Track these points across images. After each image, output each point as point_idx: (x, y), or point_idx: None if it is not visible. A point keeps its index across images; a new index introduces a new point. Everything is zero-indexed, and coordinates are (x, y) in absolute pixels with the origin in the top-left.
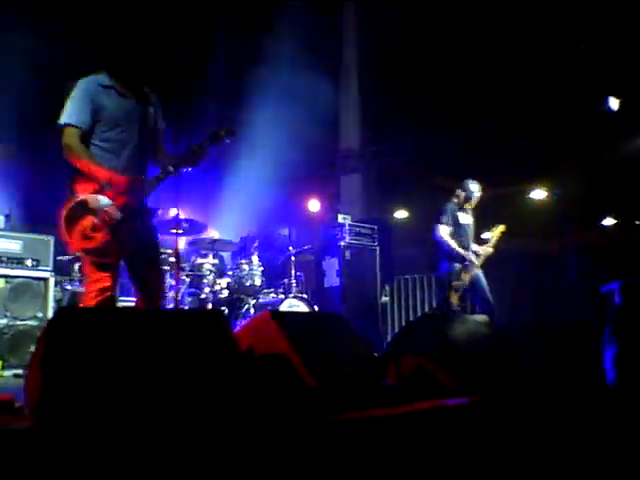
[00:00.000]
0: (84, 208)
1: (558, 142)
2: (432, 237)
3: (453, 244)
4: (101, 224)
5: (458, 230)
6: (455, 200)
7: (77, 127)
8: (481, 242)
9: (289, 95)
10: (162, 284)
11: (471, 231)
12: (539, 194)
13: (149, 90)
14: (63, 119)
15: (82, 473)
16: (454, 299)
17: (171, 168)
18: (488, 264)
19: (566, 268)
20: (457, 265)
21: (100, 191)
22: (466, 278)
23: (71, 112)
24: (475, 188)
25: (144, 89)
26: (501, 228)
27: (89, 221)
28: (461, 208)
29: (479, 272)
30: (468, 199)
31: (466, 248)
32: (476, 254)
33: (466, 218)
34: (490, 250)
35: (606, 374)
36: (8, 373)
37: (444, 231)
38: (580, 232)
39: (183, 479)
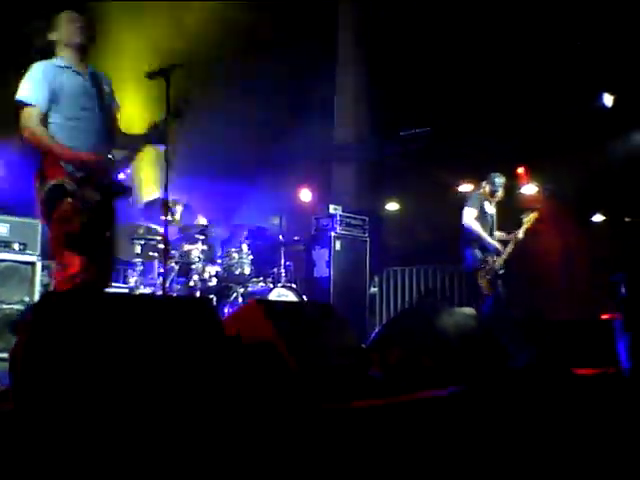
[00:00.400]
0: (61, 191)
1: (551, 137)
2: (461, 223)
3: (481, 231)
4: (80, 206)
5: (484, 218)
6: (480, 191)
7: (35, 106)
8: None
9: (282, 84)
10: (112, 265)
11: (494, 223)
12: (530, 189)
13: (99, 71)
14: (20, 95)
15: (62, 454)
16: (484, 284)
17: (133, 149)
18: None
19: (556, 263)
20: (480, 251)
21: (71, 174)
22: (496, 263)
23: (29, 90)
24: (500, 182)
25: (93, 69)
26: (535, 215)
27: (68, 204)
28: (487, 199)
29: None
30: (493, 193)
31: (489, 234)
32: (503, 243)
33: (491, 209)
34: (520, 236)
35: (621, 364)
36: None
37: (471, 215)
38: (570, 228)
39: (167, 463)
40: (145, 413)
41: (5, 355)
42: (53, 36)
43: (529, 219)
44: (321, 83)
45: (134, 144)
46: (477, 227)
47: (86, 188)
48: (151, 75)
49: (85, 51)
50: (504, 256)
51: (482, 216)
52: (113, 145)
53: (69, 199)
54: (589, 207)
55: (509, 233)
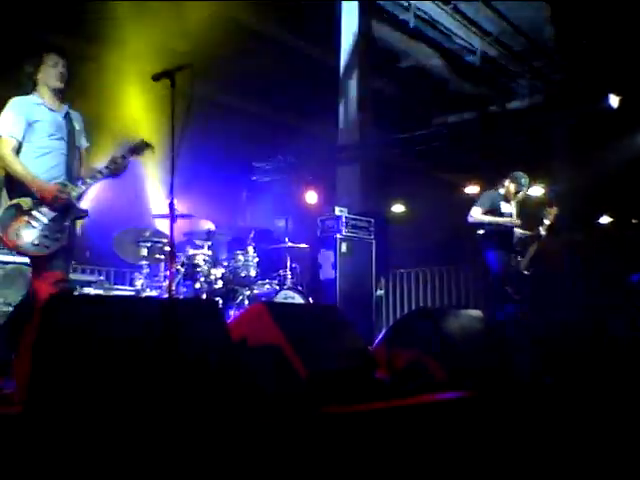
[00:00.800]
0: (17, 210)
1: (557, 139)
2: (467, 223)
3: (489, 217)
4: (32, 223)
5: (500, 217)
6: (501, 190)
7: (10, 137)
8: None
9: (286, 85)
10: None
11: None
12: (536, 191)
13: (73, 110)
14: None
15: (70, 456)
16: (512, 289)
17: (93, 177)
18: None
19: (562, 266)
20: (505, 253)
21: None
22: (522, 263)
23: (4, 124)
24: (526, 182)
25: (68, 108)
26: (554, 210)
27: (22, 221)
28: (505, 199)
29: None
30: (517, 192)
31: (509, 240)
32: (525, 242)
33: (508, 208)
34: (543, 233)
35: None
36: None
37: (477, 212)
38: (576, 230)
39: (174, 464)
40: (152, 415)
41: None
42: (37, 75)
43: (550, 215)
44: (325, 84)
45: (93, 177)
46: (484, 217)
47: (42, 207)
48: (156, 77)
49: (62, 93)
50: (529, 256)
51: (497, 216)
52: (77, 177)
53: (23, 216)
54: (595, 209)
55: (531, 231)
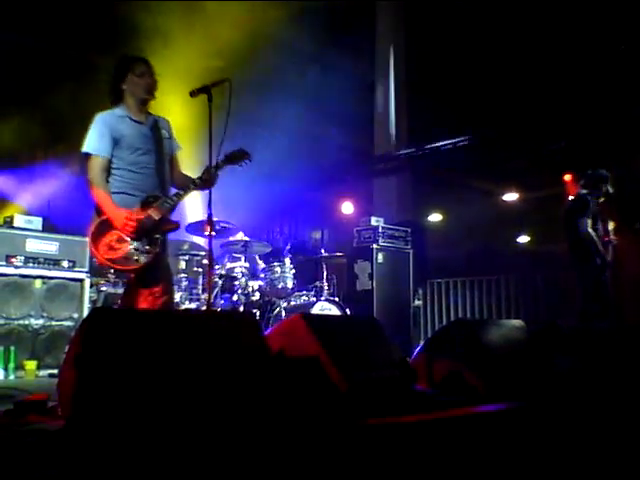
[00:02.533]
0: (109, 225)
1: (598, 143)
2: (573, 234)
3: (598, 243)
4: (123, 237)
5: (595, 223)
6: (597, 196)
7: (98, 156)
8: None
9: (323, 97)
10: (171, 301)
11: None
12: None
13: (160, 117)
14: (85, 147)
15: (114, 471)
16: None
17: (186, 189)
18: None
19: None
20: (601, 260)
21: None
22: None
23: (91, 141)
24: (606, 175)
25: (154, 116)
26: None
27: (114, 235)
28: (591, 198)
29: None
30: (607, 192)
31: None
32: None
33: (594, 209)
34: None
35: None
36: (44, 373)
37: (587, 225)
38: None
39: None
40: (193, 429)
41: (55, 371)
42: (122, 85)
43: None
44: (361, 95)
45: (186, 185)
46: (595, 240)
47: (130, 222)
48: (194, 93)
49: (146, 103)
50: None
51: (594, 223)
52: (170, 186)
53: (114, 231)
54: (635, 213)
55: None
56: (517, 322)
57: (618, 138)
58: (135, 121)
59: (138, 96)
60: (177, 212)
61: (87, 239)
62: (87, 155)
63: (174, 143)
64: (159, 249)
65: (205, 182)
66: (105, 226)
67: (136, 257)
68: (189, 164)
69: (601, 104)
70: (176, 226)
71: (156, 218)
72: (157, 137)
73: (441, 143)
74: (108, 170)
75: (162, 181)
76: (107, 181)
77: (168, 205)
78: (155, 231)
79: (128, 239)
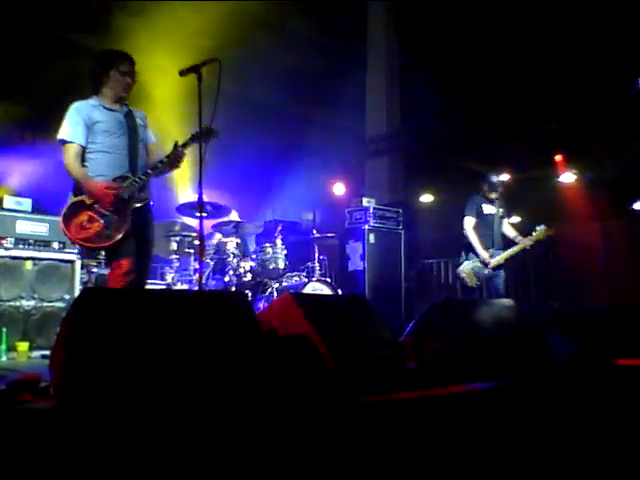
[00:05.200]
0: (80, 206)
1: (589, 125)
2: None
3: (476, 242)
4: (94, 216)
5: (484, 221)
6: (479, 194)
7: (73, 143)
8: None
9: (314, 78)
10: (146, 277)
11: (498, 222)
12: (568, 177)
13: (136, 109)
14: (60, 135)
15: (103, 451)
16: (467, 276)
17: (154, 168)
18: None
19: (596, 253)
20: (470, 258)
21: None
22: (472, 279)
23: (66, 129)
24: (497, 181)
25: (129, 107)
26: (549, 232)
27: (85, 215)
28: (486, 200)
29: (498, 273)
30: (491, 192)
31: (490, 240)
32: (508, 242)
33: (490, 209)
34: (527, 245)
35: None
36: (36, 354)
37: (470, 224)
38: (610, 215)
39: (203, 458)
40: (184, 407)
41: (47, 352)
42: (103, 78)
43: (541, 233)
44: (353, 76)
45: (154, 167)
46: (474, 238)
47: (103, 200)
48: (184, 72)
49: (122, 100)
50: (497, 261)
51: (482, 220)
52: (144, 171)
53: (86, 211)
54: (629, 194)
55: (520, 236)
56: (507, 301)
57: (609, 120)
58: (108, 109)
59: (116, 93)
60: (168, 194)
61: (60, 219)
62: (62, 142)
63: (149, 134)
64: (128, 226)
65: (172, 160)
66: (77, 207)
67: (107, 233)
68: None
69: (592, 85)
70: (146, 200)
71: (125, 197)
72: (131, 123)
73: (433, 125)
74: (82, 156)
75: (135, 164)
76: (83, 166)
77: (136, 184)
78: (125, 209)
79: (99, 218)
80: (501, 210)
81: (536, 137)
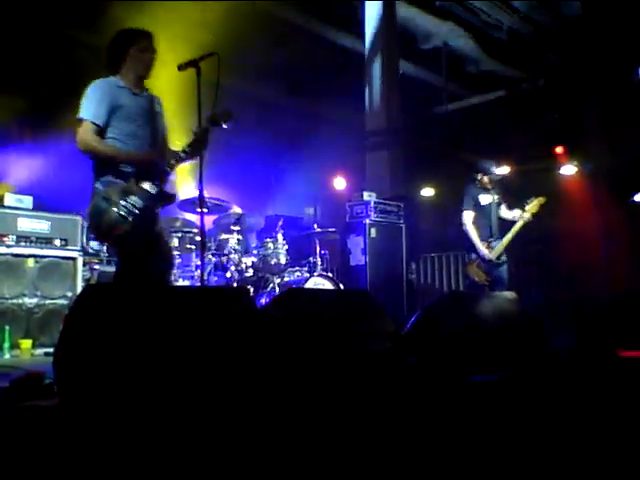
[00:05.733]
0: (107, 202)
1: (589, 115)
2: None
3: (475, 237)
4: (125, 216)
5: (482, 212)
6: (477, 183)
7: (92, 123)
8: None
9: (313, 72)
10: (170, 273)
11: (496, 211)
12: (569, 170)
13: (154, 94)
14: (81, 113)
15: (106, 448)
16: (477, 274)
17: (177, 159)
18: (518, 242)
19: (596, 243)
20: (474, 256)
21: (123, 186)
22: (493, 253)
23: (88, 108)
24: (493, 168)
25: (150, 93)
26: (540, 200)
27: (113, 213)
28: (483, 190)
29: (501, 263)
30: (490, 181)
31: (489, 230)
32: (508, 224)
33: (487, 199)
34: (525, 218)
35: None
36: (39, 351)
37: (469, 218)
38: (610, 207)
39: (205, 456)
40: (187, 404)
41: (50, 350)
42: (124, 56)
43: (535, 204)
44: (351, 70)
45: (178, 158)
46: (473, 233)
47: (128, 197)
48: (182, 66)
49: (142, 80)
50: (497, 251)
51: (480, 211)
52: (164, 161)
53: (114, 208)
54: (629, 186)
55: (518, 213)
56: (509, 294)
57: (610, 111)
58: (134, 94)
59: (137, 72)
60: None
61: (79, 218)
62: (81, 120)
63: (164, 123)
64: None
65: (195, 148)
66: (104, 204)
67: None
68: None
69: (592, 75)
70: (173, 199)
71: (153, 192)
72: (153, 112)
73: (433, 117)
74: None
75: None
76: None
77: (163, 179)
78: (155, 205)
79: (126, 215)
80: (497, 197)
81: (537, 129)
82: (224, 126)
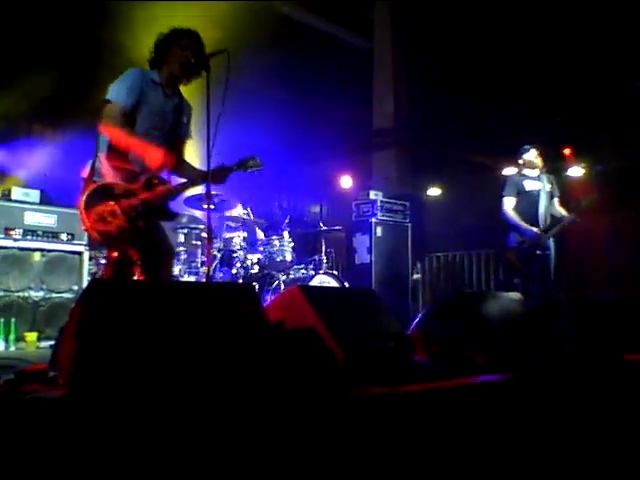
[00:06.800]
0: (107, 193)
1: (598, 117)
2: (502, 216)
3: (517, 219)
4: (120, 212)
5: (527, 198)
6: (519, 170)
7: (119, 105)
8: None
9: (320, 70)
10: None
11: (545, 197)
12: (577, 171)
13: (186, 101)
14: (109, 95)
15: (112, 441)
16: (512, 260)
17: (194, 182)
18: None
19: (603, 244)
20: (519, 235)
21: (126, 185)
22: (517, 264)
23: (118, 91)
24: (532, 150)
25: (182, 98)
26: (594, 198)
27: (109, 206)
28: (527, 176)
29: (546, 253)
30: (532, 165)
31: (534, 218)
32: (546, 228)
33: (535, 184)
34: (576, 219)
35: None
36: (44, 344)
37: (509, 204)
38: (619, 209)
39: (210, 451)
40: (192, 398)
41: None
42: (164, 53)
43: (588, 203)
44: (359, 69)
45: (193, 178)
46: (514, 216)
47: (132, 198)
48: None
49: (178, 81)
50: (544, 238)
51: (524, 198)
52: (173, 174)
53: (111, 201)
54: (637, 188)
55: (567, 212)
56: (515, 294)
57: (617, 111)
58: (165, 94)
59: (172, 71)
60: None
61: (79, 204)
62: (108, 102)
63: (188, 130)
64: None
65: (217, 181)
66: (103, 194)
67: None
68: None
69: (600, 76)
70: (174, 217)
71: (157, 205)
72: (176, 119)
73: (440, 117)
74: (125, 121)
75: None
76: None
77: (171, 194)
78: (152, 216)
79: (119, 214)
80: (549, 186)
81: (544, 130)
82: (254, 171)
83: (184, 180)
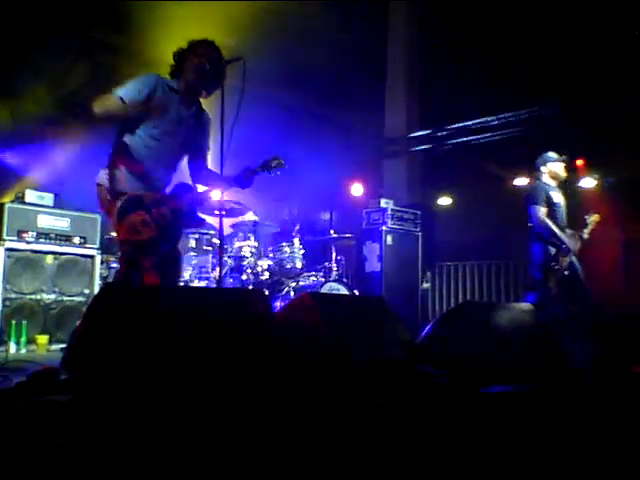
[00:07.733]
0: (138, 203)
1: (610, 128)
2: (529, 220)
3: (556, 229)
4: (151, 221)
5: (555, 212)
6: (544, 179)
7: (122, 102)
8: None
9: (332, 77)
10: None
11: (565, 215)
12: (588, 182)
13: (206, 114)
14: (117, 91)
15: (119, 442)
16: (552, 284)
17: (220, 188)
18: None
19: (616, 259)
20: (552, 248)
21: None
22: (564, 263)
23: (125, 89)
24: (557, 158)
25: (200, 110)
26: (597, 217)
27: (140, 216)
28: (553, 187)
29: (574, 257)
30: (556, 174)
31: (562, 230)
32: (574, 237)
33: (558, 197)
34: (585, 237)
35: None
36: (55, 347)
37: (543, 213)
38: (632, 221)
39: (220, 455)
40: (202, 403)
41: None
42: (182, 63)
43: (593, 220)
44: (372, 76)
45: (218, 185)
46: (553, 225)
47: (162, 207)
48: None
49: (197, 91)
50: (572, 255)
51: (552, 210)
52: (199, 182)
53: (142, 211)
54: None
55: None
56: (526, 305)
57: (630, 122)
58: (182, 102)
59: (188, 79)
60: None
61: (98, 217)
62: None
63: (207, 141)
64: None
65: (241, 186)
66: (134, 204)
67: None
68: None
69: (611, 90)
70: (201, 224)
71: (185, 213)
72: (193, 128)
73: (453, 126)
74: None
75: (163, 171)
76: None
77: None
78: (180, 224)
79: (151, 223)
80: (564, 201)
81: (556, 140)
82: (277, 172)
83: (208, 188)
